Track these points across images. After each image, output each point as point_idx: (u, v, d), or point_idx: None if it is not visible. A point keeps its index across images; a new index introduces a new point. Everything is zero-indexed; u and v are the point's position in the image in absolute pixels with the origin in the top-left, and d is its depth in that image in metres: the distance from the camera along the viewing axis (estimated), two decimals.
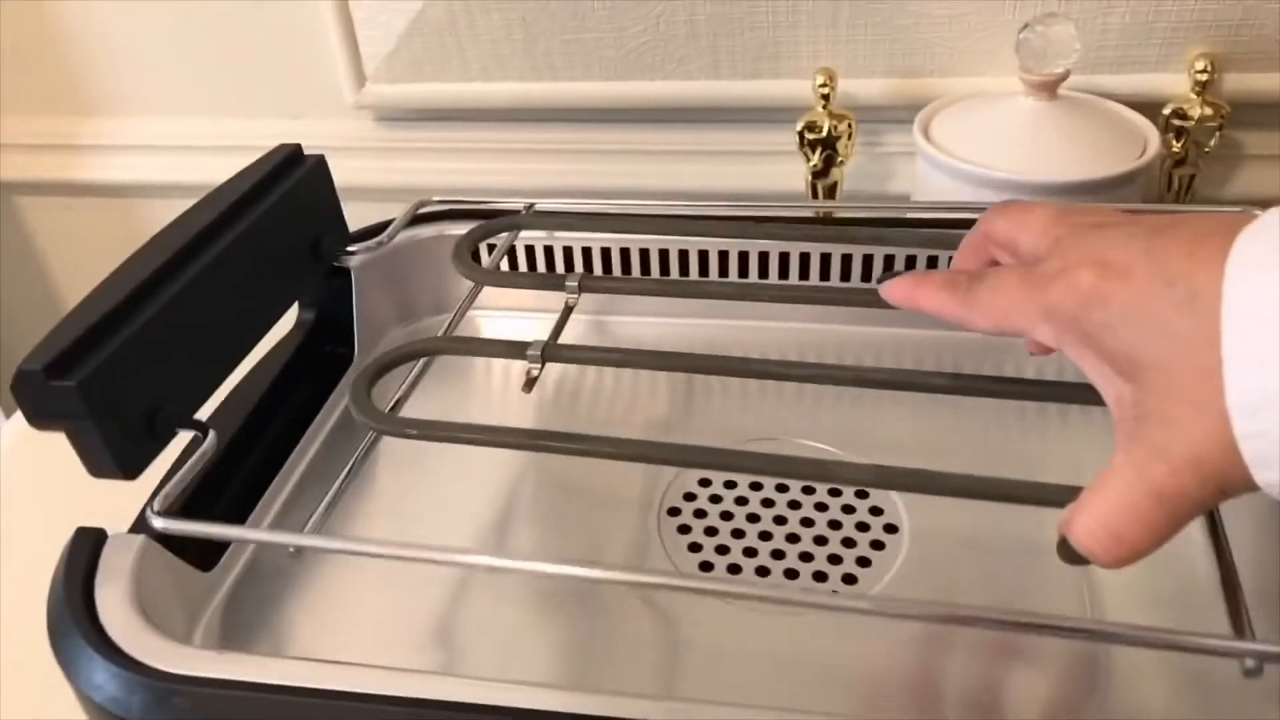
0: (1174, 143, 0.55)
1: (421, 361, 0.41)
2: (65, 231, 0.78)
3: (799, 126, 0.57)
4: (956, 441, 0.42)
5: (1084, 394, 0.34)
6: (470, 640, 0.35)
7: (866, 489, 0.40)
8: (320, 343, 0.45)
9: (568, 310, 0.40)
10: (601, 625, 0.35)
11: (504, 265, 0.48)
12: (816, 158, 0.57)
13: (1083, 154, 0.50)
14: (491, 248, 0.48)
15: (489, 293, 0.47)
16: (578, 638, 0.35)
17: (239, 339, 0.39)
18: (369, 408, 0.34)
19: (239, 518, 0.38)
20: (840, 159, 0.58)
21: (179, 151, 0.71)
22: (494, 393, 0.46)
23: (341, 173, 0.69)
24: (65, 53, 0.69)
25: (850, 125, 0.57)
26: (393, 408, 0.38)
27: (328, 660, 0.29)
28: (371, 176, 0.69)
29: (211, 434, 0.35)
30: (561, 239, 0.47)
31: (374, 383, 0.35)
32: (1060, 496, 0.27)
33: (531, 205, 0.48)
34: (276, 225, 0.40)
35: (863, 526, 0.39)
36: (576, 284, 0.40)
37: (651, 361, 0.39)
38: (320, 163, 0.44)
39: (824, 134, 0.57)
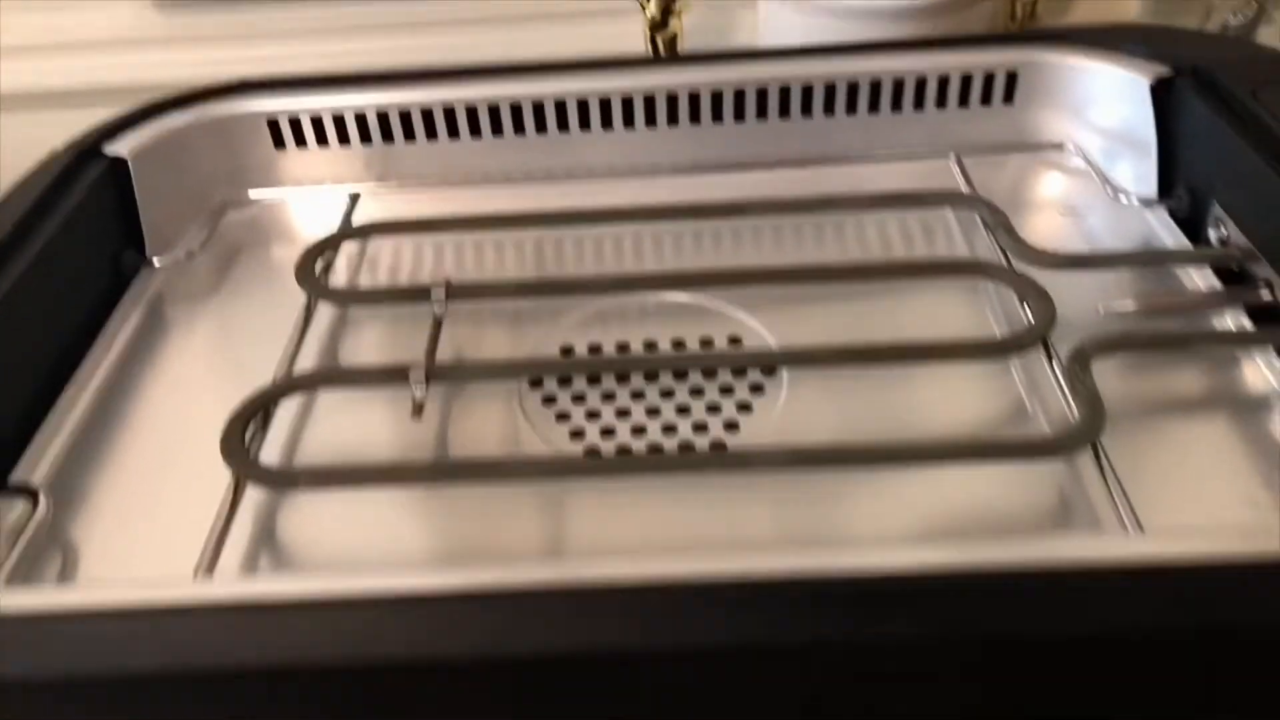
0: None
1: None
2: None
3: None
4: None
5: None
6: (309, 551, 0.30)
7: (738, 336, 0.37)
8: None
9: (438, 324, 0.35)
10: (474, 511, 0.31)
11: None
12: (653, 6, 0.53)
13: None
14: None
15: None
16: (445, 532, 0.31)
17: (45, 379, 0.34)
18: (247, 462, 0.30)
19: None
20: (679, 7, 0.54)
21: None
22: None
23: (123, 70, 0.61)
24: None
25: None
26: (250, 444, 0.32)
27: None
28: (158, 73, 0.60)
29: (42, 499, 0.30)
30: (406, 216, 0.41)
31: (245, 430, 0.31)
32: None
33: (357, 195, 0.43)
34: (69, 246, 0.36)
35: (739, 371, 0.36)
36: (444, 293, 0.36)
37: (542, 368, 0.35)
38: (115, 164, 0.39)
39: None
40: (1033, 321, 0.33)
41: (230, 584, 0.25)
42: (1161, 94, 0.40)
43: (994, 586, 0.21)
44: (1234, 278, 0.36)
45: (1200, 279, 0.36)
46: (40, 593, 0.24)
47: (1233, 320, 0.34)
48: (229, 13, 0.59)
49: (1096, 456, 0.29)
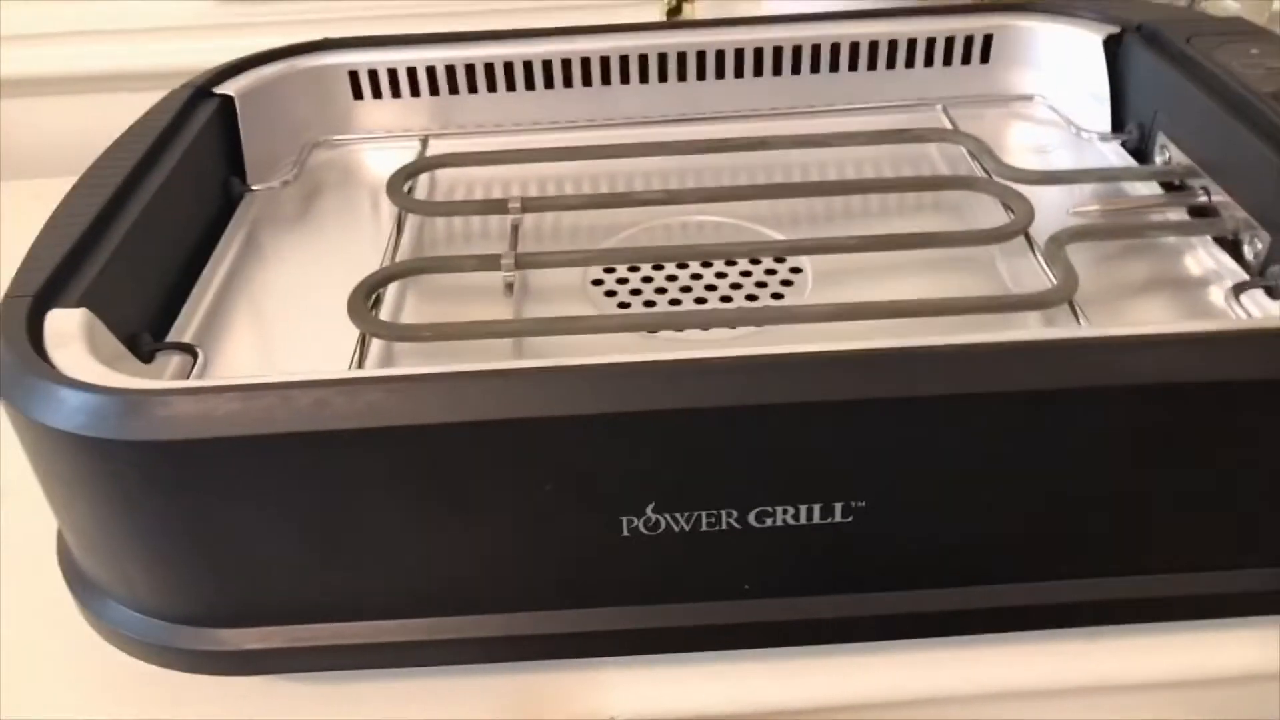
0: None
1: None
2: None
3: None
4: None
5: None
6: None
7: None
8: None
9: (515, 228, 0.42)
10: None
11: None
12: None
13: None
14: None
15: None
16: None
17: (183, 264, 0.41)
18: (374, 320, 0.37)
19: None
20: None
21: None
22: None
23: (185, 55, 0.67)
24: None
25: None
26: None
27: None
28: (216, 58, 0.66)
29: (200, 351, 0.36)
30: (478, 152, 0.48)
31: (369, 299, 0.37)
32: None
33: (426, 139, 0.49)
34: (191, 166, 0.42)
35: (771, 271, 0.42)
36: (520, 205, 0.42)
37: (614, 257, 0.41)
38: (224, 102, 0.46)
39: None
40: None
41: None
42: (1112, 48, 0.47)
43: (993, 356, 0.28)
44: (1177, 191, 0.43)
45: (1148, 191, 0.43)
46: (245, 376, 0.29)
47: (1176, 217, 0.41)
48: (281, 1, 0.66)
49: (1073, 312, 0.36)
